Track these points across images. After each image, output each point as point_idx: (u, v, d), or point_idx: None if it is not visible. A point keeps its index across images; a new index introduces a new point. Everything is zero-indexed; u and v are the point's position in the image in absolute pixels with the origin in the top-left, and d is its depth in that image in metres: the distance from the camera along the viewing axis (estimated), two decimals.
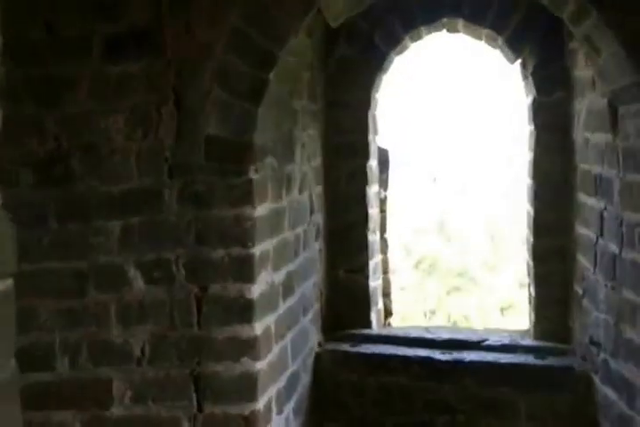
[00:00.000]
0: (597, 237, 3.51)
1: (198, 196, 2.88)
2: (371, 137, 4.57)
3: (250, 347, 2.90)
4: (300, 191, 3.76)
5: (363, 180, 4.48)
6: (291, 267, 3.53)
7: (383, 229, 4.90)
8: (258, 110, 2.87)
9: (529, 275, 4.49)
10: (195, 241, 2.89)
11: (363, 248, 4.51)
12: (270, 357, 3.10)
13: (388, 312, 5.06)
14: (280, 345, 3.29)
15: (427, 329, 4.77)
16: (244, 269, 2.89)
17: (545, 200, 4.18)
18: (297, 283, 3.64)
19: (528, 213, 4.43)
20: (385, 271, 4.98)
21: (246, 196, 2.88)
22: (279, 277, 3.30)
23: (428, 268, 56.84)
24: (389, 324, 5.04)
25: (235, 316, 2.89)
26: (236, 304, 2.89)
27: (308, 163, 3.95)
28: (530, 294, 4.53)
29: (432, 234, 62.71)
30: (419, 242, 61.00)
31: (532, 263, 4.33)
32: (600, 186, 3.47)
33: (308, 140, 3.97)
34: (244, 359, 2.89)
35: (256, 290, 2.93)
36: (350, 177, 4.47)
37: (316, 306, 4.18)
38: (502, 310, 57.29)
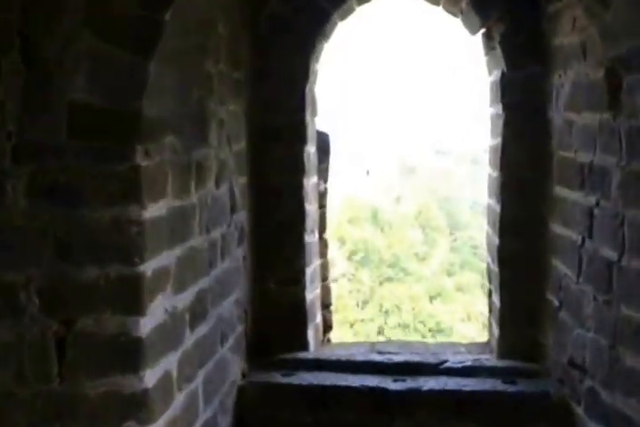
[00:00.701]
0: (583, 239, 2.91)
1: (58, 189, 1.96)
2: (308, 117, 3.75)
3: (136, 406, 2.02)
4: (218, 184, 2.90)
5: (298, 169, 3.63)
6: (203, 284, 2.66)
7: (322, 229, 4.09)
8: (149, 67, 1.99)
9: (491, 281, 3.89)
10: (54, 256, 1.98)
11: (298, 253, 3.71)
12: (170, 414, 2.22)
13: (327, 326, 4.28)
14: (186, 391, 2.44)
15: (373, 348, 4.00)
16: (129, 296, 2.01)
17: (513, 194, 3.55)
18: (212, 304, 2.78)
19: (491, 209, 3.84)
20: (324, 278, 4.21)
21: (131, 190, 2.00)
22: (184, 300, 2.43)
23: (361, 259, 57.12)
24: (329, 340, 4.24)
25: (114, 362, 2.00)
26: (117, 346, 1.99)
27: (227, 147, 3.08)
28: (492, 304, 3.89)
29: (366, 224, 63.13)
30: (352, 233, 61.27)
31: (495, 267, 3.70)
32: (590, 177, 2.83)
33: (229, 118, 3.09)
34: (129, 425, 2.02)
35: (146, 324, 2.06)
36: (283, 166, 3.62)
37: (239, 329, 3.33)
38: (431, 298, 58.33)
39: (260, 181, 3.57)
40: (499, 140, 3.57)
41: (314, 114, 3.85)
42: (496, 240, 3.61)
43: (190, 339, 2.48)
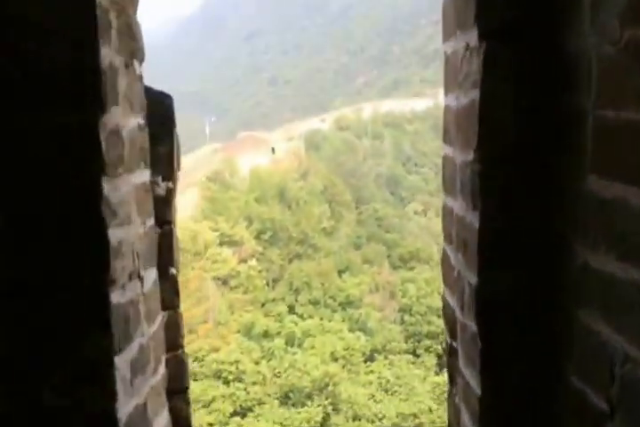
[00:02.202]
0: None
1: None
2: (113, 57, 1.73)
3: None
4: None
5: (89, 160, 1.64)
6: None
7: (168, 263, 2.46)
8: None
9: (457, 345, 2.10)
10: None
11: (97, 327, 1.71)
12: None
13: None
14: None
15: None
16: None
17: (505, 195, 1.77)
18: None
19: (458, 219, 2.06)
20: (174, 347, 2.49)
21: None
22: None
23: (270, 238, 56.62)
24: None
25: None
26: None
27: None
28: (459, 384, 2.09)
29: (273, 203, 62.73)
30: (260, 212, 60.65)
31: (470, 323, 1.88)
32: None
33: None
34: None
35: None
36: (58, 153, 1.65)
37: None
38: (340, 272, 58.86)
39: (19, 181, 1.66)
40: (472, 97, 1.83)
41: (132, 54, 1.92)
42: (472, 276, 1.84)
43: None
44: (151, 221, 2.14)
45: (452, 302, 2.17)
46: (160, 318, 2.21)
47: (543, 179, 1.76)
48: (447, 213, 2.25)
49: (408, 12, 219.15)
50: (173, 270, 2.48)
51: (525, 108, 1.75)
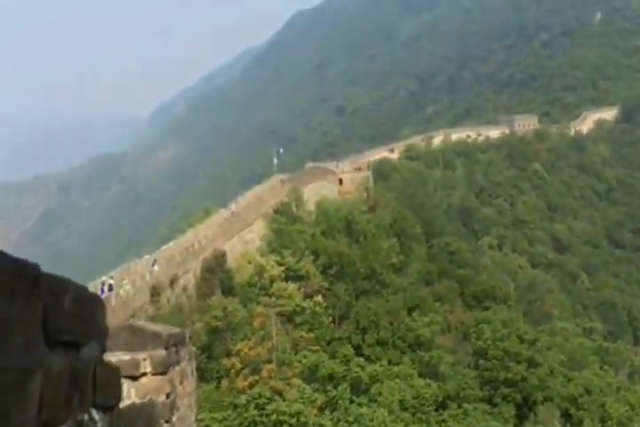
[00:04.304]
0: None
1: None
2: None
3: None
4: None
5: None
6: None
7: None
8: None
9: None
10: None
11: None
12: None
13: None
14: None
15: None
16: None
17: None
18: None
19: None
20: None
21: None
22: None
23: (336, 273, 54.67)
24: None
25: None
26: None
27: None
28: None
29: (340, 236, 60.98)
30: (327, 245, 59.02)
31: None
32: None
33: None
34: None
35: None
36: None
37: None
38: (409, 310, 56.01)
39: None
40: None
41: None
42: None
43: None
44: None
45: None
46: None
47: None
48: None
49: (479, 38, 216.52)
50: None
51: None
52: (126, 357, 3.63)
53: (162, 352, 3.77)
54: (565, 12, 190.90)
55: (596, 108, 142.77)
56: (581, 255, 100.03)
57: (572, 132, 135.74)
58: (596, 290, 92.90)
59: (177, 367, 3.99)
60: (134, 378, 3.67)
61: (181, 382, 4.14)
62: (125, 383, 3.29)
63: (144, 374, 3.72)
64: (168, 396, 3.78)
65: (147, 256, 42.93)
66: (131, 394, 3.54)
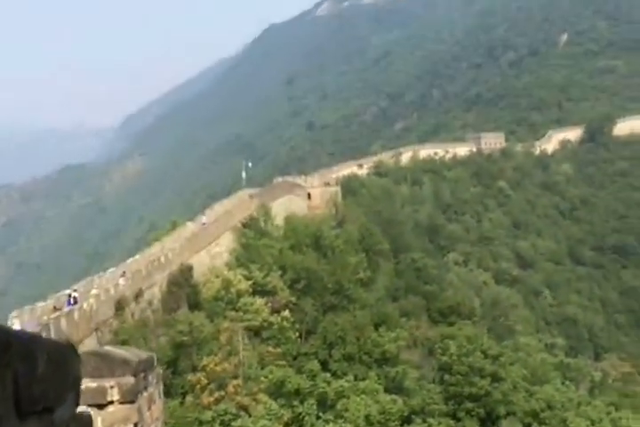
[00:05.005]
0: None
1: None
2: None
3: None
4: None
5: None
6: None
7: None
8: None
9: None
10: None
11: None
12: None
13: None
14: None
15: None
16: None
17: None
18: None
19: None
20: None
21: None
22: None
23: (304, 288, 54.65)
24: None
25: None
26: None
27: None
28: None
29: (308, 251, 60.93)
30: (295, 260, 58.90)
31: None
32: None
33: None
34: None
35: None
36: None
37: None
38: (376, 326, 56.09)
39: None
40: None
41: None
42: None
43: None
44: None
45: None
46: None
47: None
48: None
49: (448, 56, 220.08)
50: None
51: None
52: (93, 384, 3.61)
53: (130, 380, 3.76)
54: (532, 33, 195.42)
55: (560, 128, 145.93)
56: (544, 272, 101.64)
57: (538, 151, 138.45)
58: (559, 306, 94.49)
59: (145, 393, 3.98)
60: (101, 407, 3.64)
61: (149, 408, 4.12)
62: (92, 412, 3.24)
63: (111, 403, 3.69)
64: (135, 426, 3.76)
65: (111, 269, 42.33)
66: (97, 424, 3.50)
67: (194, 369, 37.86)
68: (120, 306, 38.36)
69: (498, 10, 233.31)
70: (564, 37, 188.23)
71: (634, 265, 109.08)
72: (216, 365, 38.48)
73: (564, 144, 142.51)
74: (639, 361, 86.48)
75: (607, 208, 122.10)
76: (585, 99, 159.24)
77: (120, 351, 3.85)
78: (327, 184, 77.30)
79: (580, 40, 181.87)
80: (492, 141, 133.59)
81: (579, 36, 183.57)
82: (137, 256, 45.70)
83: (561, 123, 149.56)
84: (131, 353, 3.94)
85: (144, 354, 4.17)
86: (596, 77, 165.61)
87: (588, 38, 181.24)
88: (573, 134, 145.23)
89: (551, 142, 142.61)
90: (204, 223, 54.36)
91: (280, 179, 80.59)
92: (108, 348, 4.15)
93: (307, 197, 72.49)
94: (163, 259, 44.79)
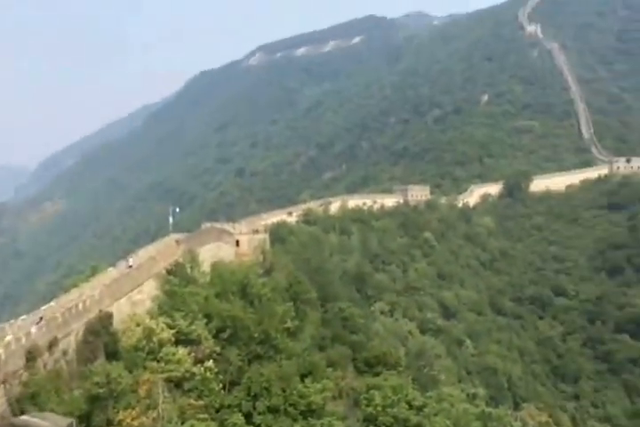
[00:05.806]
0: None
1: None
2: None
3: None
4: None
5: None
6: None
7: None
8: None
9: None
10: None
11: None
12: None
13: None
14: None
15: None
16: None
17: None
18: None
19: None
20: None
21: None
22: None
23: (229, 337, 52.88)
24: None
25: None
26: None
27: None
28: None
29: (235, 299, 59.55)
30: (221, 308, 57.37)
31: None
32: None
33: None
34: None
35: None
36: None
37: None
38: (302, 376, 54.82)
39: None
40: None
41: None
42: None
43: None
44: None
45: None
46: None
47: None
48: None
49: (377, 110, 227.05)
50: None
51: None
52: None
53: None
54: (456, 92, 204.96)
55: (482, 183, 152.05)
56: (466, 322, 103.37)
57: (460, 204, 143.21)
58: (479, 356, 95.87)
59: None
60: None
61: None
62: None
63: None
64: None
65: (23, 317, 39.93)
66: None
67: (109, 424, 35.69)
68: (32, 356, 36.02)
69: (421, 70, 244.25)
70: (485, 98, 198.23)
71: (550, 316, 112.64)
72: (133, 419, 36.45)
73: (485, 198, 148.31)
74: (555, 410, 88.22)
75: (524, 260, 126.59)
76: (504, 156, 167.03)
77: (38, 421, 3.35)
78: (256, 231, 76.66)
79: (498, 101, 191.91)
80: (418, 194, 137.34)
81: (498, 97, 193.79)
82: (52, 303, 43.36)
83: (482, 178, 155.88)
84: (50, 422, 3.45)
85: (64, 421, 3.69)
86: (513, 136, 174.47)
87: (506, 100, 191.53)
88: (493, 189, 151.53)
89: (473, 196, 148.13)
90: (130, 266, 52.44)
91: (208, 224, 79.41)
92: (25, 418, 3.64)
93: (235, 244, 71.50)
94: (80, 306, 42.66)
